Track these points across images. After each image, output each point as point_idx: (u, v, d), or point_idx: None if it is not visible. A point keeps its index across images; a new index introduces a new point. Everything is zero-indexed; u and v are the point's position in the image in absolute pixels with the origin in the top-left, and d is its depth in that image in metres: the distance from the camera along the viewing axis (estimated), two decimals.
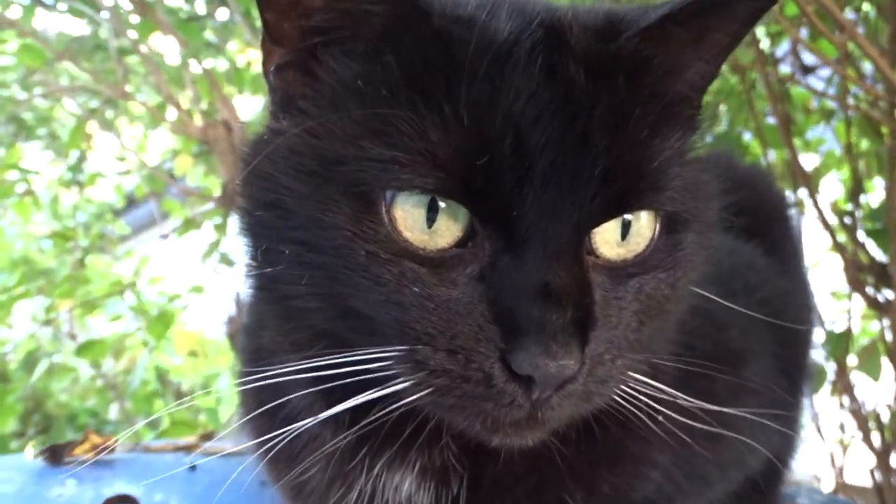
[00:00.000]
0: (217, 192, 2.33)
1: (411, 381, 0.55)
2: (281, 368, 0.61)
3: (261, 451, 0.69)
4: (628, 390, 0.60)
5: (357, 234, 0.55)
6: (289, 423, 0.62)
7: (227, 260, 2.55)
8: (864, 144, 1.74)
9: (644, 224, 0.60)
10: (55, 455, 1.09)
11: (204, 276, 2.69)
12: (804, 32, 1.59)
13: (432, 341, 0.54)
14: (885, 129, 1.49)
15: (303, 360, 0.59)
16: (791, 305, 0.99)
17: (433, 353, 0.54)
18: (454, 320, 0.54)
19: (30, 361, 2.58)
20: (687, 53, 0.62)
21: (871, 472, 1.69)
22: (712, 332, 0.76)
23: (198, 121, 1.61)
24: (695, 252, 0.63)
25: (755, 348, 0.82)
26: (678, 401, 0.62)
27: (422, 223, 0.55)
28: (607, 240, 0.59)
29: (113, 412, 3.02)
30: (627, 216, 0.59)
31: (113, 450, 1.07)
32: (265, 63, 0.62)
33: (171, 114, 2.05)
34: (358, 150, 0.55)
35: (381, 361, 0.56)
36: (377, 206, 0.55)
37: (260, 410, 0.66)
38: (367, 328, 0.57)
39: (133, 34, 1.91)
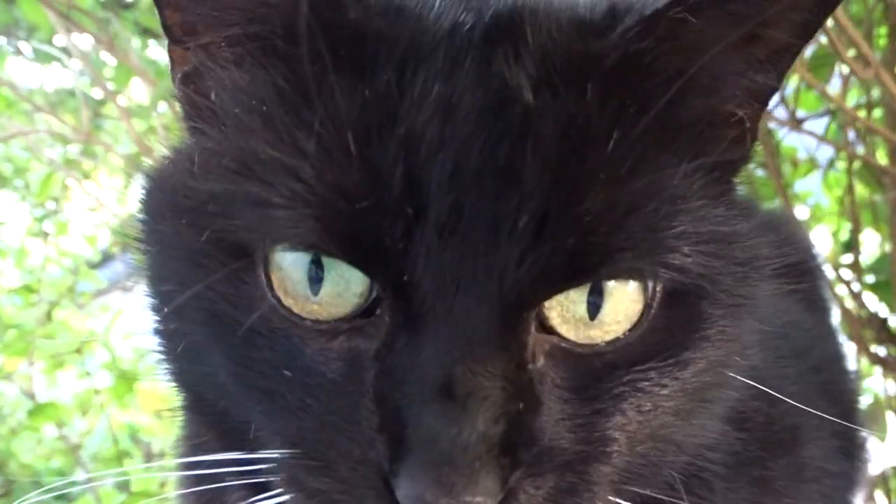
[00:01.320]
0: None
1: (289, 499, 0.45)
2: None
3: None
4: None
5: (229, 300, 0.44)
6: None
7: None
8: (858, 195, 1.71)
9: (626, 297, 0.44)
10: None
11: None
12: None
13: (309, 451, 0.43)
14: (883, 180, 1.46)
15: (181, 456, 0.51)
16: (844, 372, 0.85)
17: (311, 469, 0.42)
18: (337, 424, 0.42)
19: None
20: (715, 54, 0.44)
21: None
22: (763, 406, 0.59)
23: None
24: (723, 336, 0.46)
25: (812, 424, 0.65)
26: None
27: (304, 288, 0.43)
28: (566, 317, 0.43)
29: (81, 473, 2.88)
30: (592, 284, 0.43)
31: None
32: (171, 69, 0.52)
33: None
34: (230, 189, 0.44)
35: (260, 463, 0.45)
36: (254, 264, 0.44)
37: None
38: (244, 419, 0.46)
39: (109, 85, 1.87)
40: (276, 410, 0.44)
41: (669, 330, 0.45)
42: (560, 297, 0.43)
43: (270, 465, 0.44)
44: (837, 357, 0.89)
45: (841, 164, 1.72)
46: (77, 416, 2.68)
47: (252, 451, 0.45)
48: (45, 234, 2.81)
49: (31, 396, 2.55)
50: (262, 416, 0.45)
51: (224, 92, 0.47)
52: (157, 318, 0.52)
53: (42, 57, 1.87)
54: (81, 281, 3.18)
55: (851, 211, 1.59)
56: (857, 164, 1.55)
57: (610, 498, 0.44)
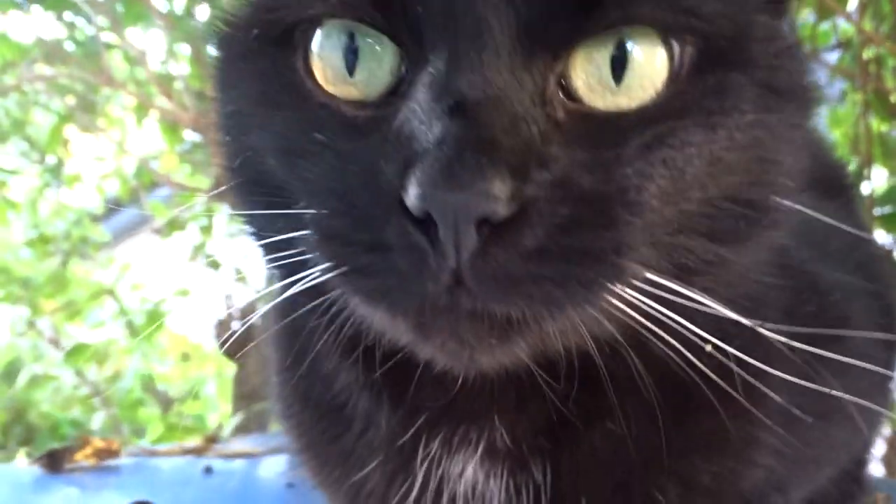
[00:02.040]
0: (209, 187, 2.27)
1: (325, 262, 0.44)
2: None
3: (301, 441, 0.63)
4: (655, 304, 0.42)
5: (276, 86, 0.48)
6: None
7: (214, 263, 2.48)
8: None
9: (650, 59, 0.43)
10: (54, 462, 1.02)
11: (189, 279, 2.63)
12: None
13: (337, 201, 0.43)
14: None
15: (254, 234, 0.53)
16: (883, 273, 0.84)
17: (335, 215, 0.43)
18: (359, 170, 0.43)
19: (10, 372, 2.50)
20: None
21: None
22: (814, 296, 0.60)
23: (181, 111, 1.55)
24: (756, 114, 0.44)
25: (858, 316, 0.67)
26: (784, 351, 0.46)
27: (341, 70, 0.45)
28: (590, 82, 0.43)
29: (97, 421, 2.94)
30: (615, 42, 0.43)
31: (117, 455, 1.01)
32: None
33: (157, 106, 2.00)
34: None
35: (299, 242, 0.46)
36: (296, 51, 0.47)
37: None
38: (290, 198, 0.48)
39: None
40: (311, 174, 0.46)
41: (697, 95, 0.44)
42: (582, 59, 0.43)
43: (309, 224, 0.45)
44: (879, 257, 0.89)
45: (851, 99, 1.72)
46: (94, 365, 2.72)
47: (294, 222, 0.46)
48: (58, 186, 2.80)
49: (56, 344, 2.58)
50: (300, 184, 0.47)
51: None
52: (224, 135, 0.54)
53: (51, 3, 1.84)
54: (87, 232, 3.20)
55: (866, 141, 1.59)
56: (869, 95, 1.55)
57: (647, 274, 0.42)
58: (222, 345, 2.50)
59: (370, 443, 0.59)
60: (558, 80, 0.43)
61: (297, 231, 0.45)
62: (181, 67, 1.59)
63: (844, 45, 1.55)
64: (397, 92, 0.45)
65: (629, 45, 0.43)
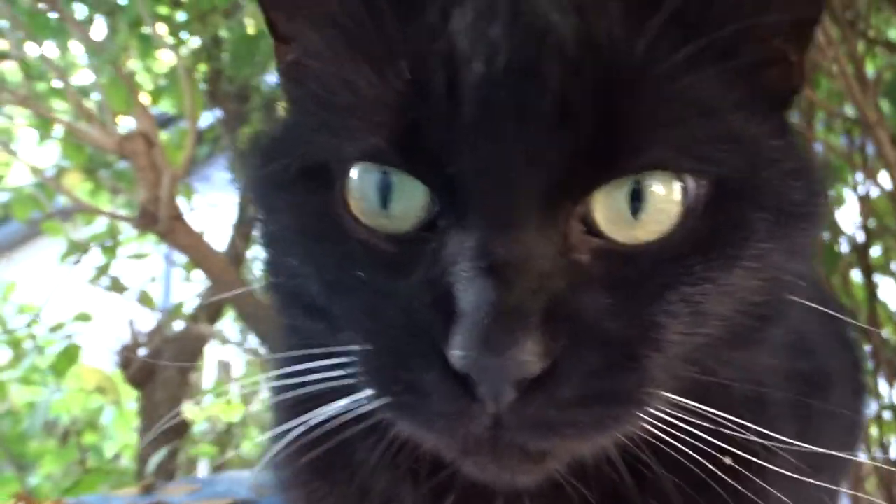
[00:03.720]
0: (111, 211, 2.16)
1: (369, 391, 0.47)
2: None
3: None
4: (676, 422, 0.46)
5: (315, 219, 0.50)
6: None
7: (118, 285, 2.37)
8: None
9: (667, 195, 0.46)
10: None
11: (91, 302, 2.49)
12: None
13: (381, 340, 0.46)
14: None
15: (282, 363, 0.53)
16: (847, 326, 0.89)
17: (381, 354, 0.46)
18: (401, 313, 0.46)
19: None
20: None
21: None
22: (805, 355, 0.62)
23: (101, 133, 1.47)
24: (770, 240, 0.48)
25: (837, 368, 0.71)
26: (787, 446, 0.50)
27: (376, 203, 0.48)
28: (609, 216, 0.46)
29: None
30: (633, 182, 0.46)
31: None
32: (277, 64, 0.58)
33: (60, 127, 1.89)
34: (314, 125, 0.50)
35: (341, 367, 0.48)
36: (333, 186, 0.49)
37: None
38: (333, 329, 0.50)
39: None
40: (354, 310, 0.48)
41: (713, 230, 0.47)
42: (602, 196, 0.46)
43: (351, 363, 0.48)
44: (842, 309, 0.97)
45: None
46: None
47: (339, 353, 0.48)
48: None
49: None
50: (344, 317, 0.49)
51: (312, 58, 0.53)
52: (268, 261, 0.57)
53: None
54: None
55: None
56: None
57: (667, 393, 0.46)
58: (127, 372, 2.38)
59: None
60: (580, 219, 0.46)
61: (341, 356, 0.48)
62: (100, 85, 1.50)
63: None
64: (430, 227, 0.47)
65: (646, 183, 0.46)
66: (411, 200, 0.48)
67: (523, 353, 0.41)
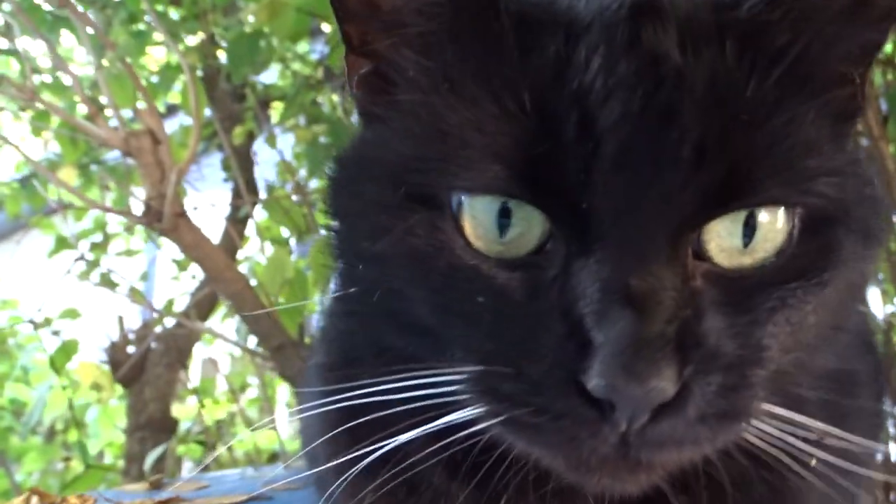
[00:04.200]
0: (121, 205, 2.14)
1: (482, 409, 0.50)
2: (351, 391, 0.55)
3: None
4: (769, 430, 0.50)
5: (425, 242, 0.51)
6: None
7: (108, 281, 2.35)
8: None
9: (773, 225, 0.50)
10: None
11: (78, 298, 2.46)
12: None
13: (502, 362, 0.48)
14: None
15: (371, 382, 0.53)
16: (870, 329, 0.92)
17: (502, 376, 0.48)
18: (525, 338, 0.48)
19: None
20: (835, 19, 0.52)
21: None
22: (833, 354, 0.66)
23: (106, 129, 1.46)
24: (855, 259, 0.52)
25: (862, 369, 0.74)
26: (825, 439, 0.54)
27: (493, 231, 0.50)
28: (723, 246, 0.50)
29: None
30: (747, 213, 0.50)
31: None
32: (349, 75, 0.59)
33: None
34: (423, 152, 0.52)
35: (450, 385, 0.50)
36: (445, 212, 0.51)
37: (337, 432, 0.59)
38: (439, 347, 0.52)
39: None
40: (470, 332, 0.50)
41: (810, 254, 0.51)
42: (717, 227, 0.49)
43: (462, 381, 0.50)
44: (866, 317, 1.01)
45: None
46: None
47: (443, 372, 0.50)
48: None
49: None
50: (456, 338, 0.51)
51: (406, 78, 0.55)
52: (347, 274, 0.59)
53: None
54: None
55: None
56: None
57: (763, 404, 0.50)
58: (116, 370, 2.36)
59: None
60: (693, 247, 0.49)
61: (447, 375, 0.50)
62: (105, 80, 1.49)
63: None
64: (538, 252, 0.50)
65: (758, 214, 0.50)
66: (529, 229, 0.50)
67: (662, 381, 0.44)
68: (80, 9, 1.73)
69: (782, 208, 0.50)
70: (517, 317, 0.49)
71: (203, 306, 2.44)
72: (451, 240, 0.51)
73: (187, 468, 2.76)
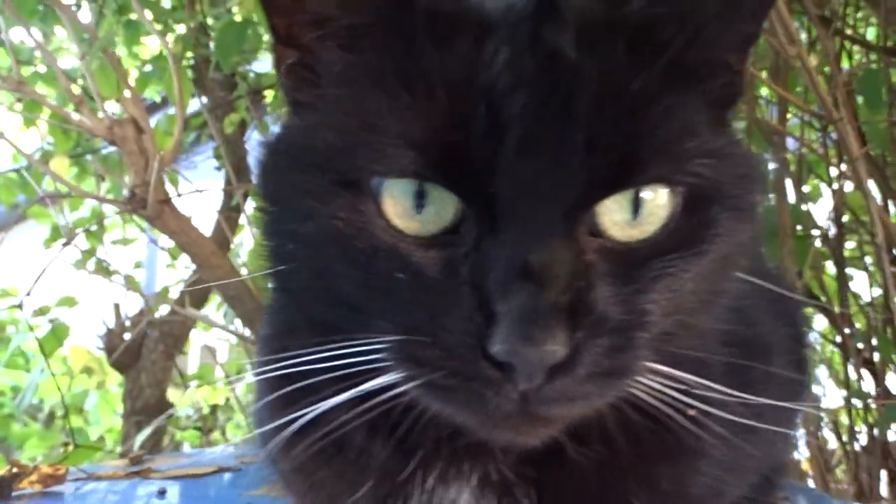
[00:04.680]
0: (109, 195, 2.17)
1: (402, 374, 0.54)
2: (286, 360, 0.59)
3: (288, 464, 0.67)
4: (659, 387, 0.56)
5: (349, 224, 0.55)
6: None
7: (103, 269, 2.37)
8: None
9: (658, 201, 0.56)
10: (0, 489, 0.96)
11: (76, 286, 2.49)
12: None
13: (420, 332, 0.53)
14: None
15: (301, 351, 0.58)
16: (796, 304, 1.02)
17: (420, 344, 0.53)
18: (439, 310, 0.53)
19: None
20: (713, 13, 0.57)
21: None
22: (745, 330, 0.73)
23: (91, 118, 1.48)
24: (730, 233, 0.58)
25: (777, 341, 0.82)
26: (724, 397, 0.60)
27: (410, 210, 0.55)
28: (615, 220, 0.55)
29: None
30: (634, 191, 0.55)
31: (62, 481, 0.96)
32: (277, 65, 0.63)
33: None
34: (346, 140, 0.56)
35: (373, 353, 0.55)
36: (367, 195, 0.55)
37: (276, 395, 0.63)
38: (362, 319, 0.57)
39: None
40: (390, 306, 0.55)
41: (689, 228, 0.57)
42: (609, 204, 0.54)
43: (384, 350, 0.55)
44: (791, 290, 1.08)
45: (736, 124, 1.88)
46: None
47: (367, 342, 0.55)
48: None
49: None
50: (378, 312, 0.56)
51: (331, 70, 0.59)
52: (280, 254, 0.62)
53: None
54: None
55: None
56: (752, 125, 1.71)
57: (647, 362, 0.56)
58: (111, 356, 2.40)
59: (363, 468, 0.65)
60: (586, 223, 0.55)
61: (371, 345, 0.55)
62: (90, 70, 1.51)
63: None
64: (454, 231, 0.55)
65: (644, 191, 0.55)
66: (444, 210, 0.55)
67: (556, 345, 0.49)
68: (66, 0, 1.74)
69: (665, 186, 0.56)
70: (433, 291, 0.53)
71: (198, 294, 2.46)
72: (373, 221, 0.55)
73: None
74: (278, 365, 0.58)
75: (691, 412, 0.60)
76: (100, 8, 1.99)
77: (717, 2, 0.57)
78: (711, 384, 0.59)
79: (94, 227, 2.36)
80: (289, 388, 0.61)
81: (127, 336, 2.38)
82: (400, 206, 0.55)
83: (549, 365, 0.50)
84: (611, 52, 0.54)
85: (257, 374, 0.67)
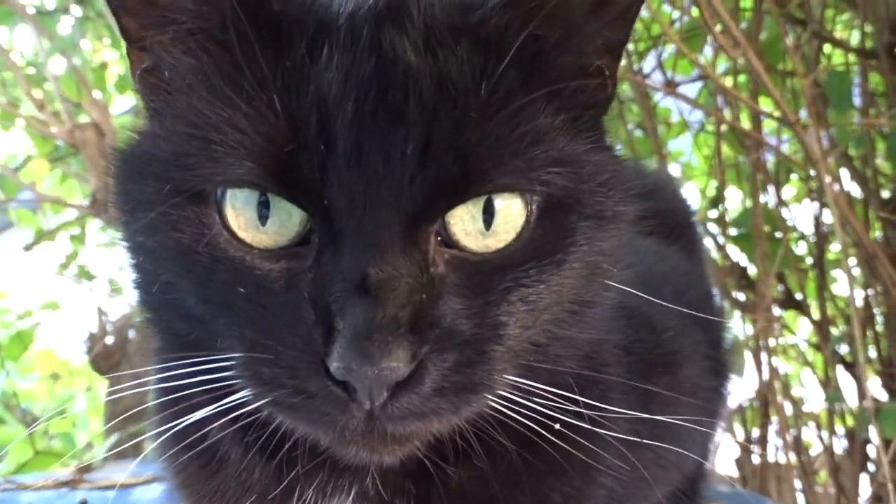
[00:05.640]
0: (79, 200, 2.17)
1: (250, 392, 0.53)
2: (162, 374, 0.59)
3: (178, 478, 0.67)
4: (521, 401, 0.54)
5: (191, 238, 0.54)
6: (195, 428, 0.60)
7: (86, 273, 2.38)
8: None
9: (511, 210, 0.54)
10: None
11: (58, 290, 2.50)
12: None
13: (263, 349, 0.52)
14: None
15: (159, 368, 0.58)
16: (714, 308, 1.02)
17: (264, 361, 0.51)
18: (282, 325, 0.51)
19: None
20: (570, 19, 0.55)
21: (736, 462, 1.83)
22: (649, 335, 0.73)
23: (54, 121, 1.49)
24: (590, 242, 0.56)
25: (688, 350, 0.80)
26: (615, 415, 0.59)
27: (254, 221, 0.53)
28: (467, 230, 0.53)
29: None
30: (485, 201, 0.53)
31: None
32: (132, 69, 0.61)
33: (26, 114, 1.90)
34: (187, 149, 0.54)
35: (224, 371, 0.54)
36: (210, 206, 0.53)
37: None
38: (211, 335, 0.55)
39: None
40: (235, 321, 0.53)
41: (545, 238, 0.55)
42: (460, 213, 0.53)
43: (232, 367, 0.53)
44: (709, 295, 1.07)
45: (710, 127, 1.87)
46: None
47: (218, 358, 0.53)
48: None
49: None
50: (224, 327, 0.54)
51: (176, 76, 0.57)
52: (134, 265, 0.60)
53: None
54: None
55: (718, 170, 1.74)
56: (724, 128, 1.70)
57: (506, 376, 0.54)
58: (93, 360, 2.39)
59: (244, 484, 0.65)
60: (437, 234, 0.53)
61: (219, 361, 0.53)
62: (53, 73, 1.52)
63: (704, 77, 1.69)
64: (303, 243, 0.53)
65: (496, 200, 0.54)
66: (289, 220, 0.53)
67: (394, 361, 0.48)
68: (50, 4, 1.75)
69: (517, 195, 0.54)
70: (276, 305, 0.52)
71: None
72: (216, 233, 0.53)
73: None
74: (156, 377, 0.58)
75: (556, 426, 0.58)
76: (86, 11, 1.99)
77: (579, 8, 0.55)
78: (580, 398, 0.57)
79: (76, 231, 2.37)
80: (165, 399, 0.60)
81: (109, 340, 2.37)
82: (243, 218, 0.53)
83: (390, 382, 0.48)
84: (452, 58, 0.53)
85: (152, 387, 0.66)
